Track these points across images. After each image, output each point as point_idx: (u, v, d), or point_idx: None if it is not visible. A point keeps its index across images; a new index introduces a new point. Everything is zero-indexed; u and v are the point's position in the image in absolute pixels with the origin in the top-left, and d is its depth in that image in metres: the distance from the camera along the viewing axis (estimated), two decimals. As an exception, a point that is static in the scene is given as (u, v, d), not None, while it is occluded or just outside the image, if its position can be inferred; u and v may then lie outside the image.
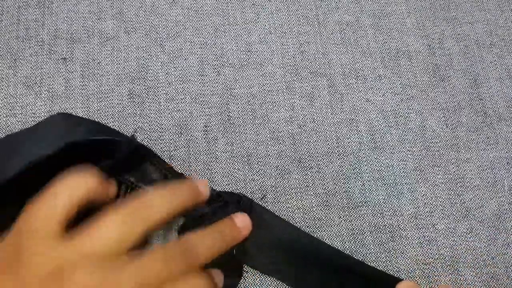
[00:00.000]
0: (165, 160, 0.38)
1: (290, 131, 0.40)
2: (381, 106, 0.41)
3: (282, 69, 0.42)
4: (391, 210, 0.38)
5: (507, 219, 0.38)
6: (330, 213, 0.37)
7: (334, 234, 0.37)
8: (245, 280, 0.35)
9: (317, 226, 0.37)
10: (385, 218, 0.37)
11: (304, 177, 0.38)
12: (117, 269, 0.22)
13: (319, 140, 0.40)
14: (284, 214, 0.37)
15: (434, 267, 0.36)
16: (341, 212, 0.37)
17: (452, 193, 0.39)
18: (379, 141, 0.40)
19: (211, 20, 0.43)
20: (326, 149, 0.39)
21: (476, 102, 0.41)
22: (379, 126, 0.40)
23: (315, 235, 0.36)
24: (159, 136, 0.39)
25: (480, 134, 0.40)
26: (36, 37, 0.41)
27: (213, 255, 0.25)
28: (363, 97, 0.41)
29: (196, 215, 0.31)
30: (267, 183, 0.38)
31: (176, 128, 0.39)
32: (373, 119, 0.40)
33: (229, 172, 0.38)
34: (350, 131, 0.40)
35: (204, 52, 0.42)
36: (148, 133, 0.39)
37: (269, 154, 0.39)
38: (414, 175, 0.39)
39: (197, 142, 0.39)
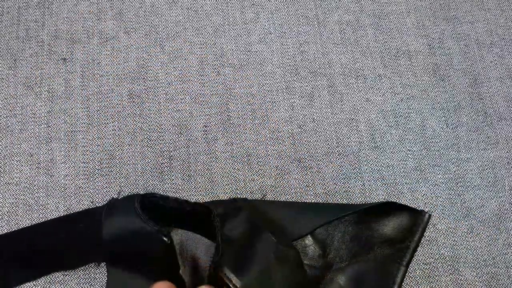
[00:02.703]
0: (165, 160, 0.38)
1: (290, 131, 0.40)
2: (381, 106, 0.41)
3: (282, 69, 0.42)
4: (391, 210, 0.38)
5: (508, 219, 0.38)
6: (330, 213, 0.37)
7: (334, 234, 0.37)
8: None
9: (317, 226, 0.37)
10: (385, 218, 0.37)
11: (304, 177, 0.38)
12: None
13: (319, 140, 0.39)
14: (284, 214, 0.37)
15: (434, 267, 0.36)
16: (341, 212, 0.37)
17: (453, 192, 0.38)
18: (379, 141, 0.40)
19: (211, 20, 0.43)
20: (326, 149, 0.39)
21: (476, 102, 0.41)
22: (379, 126, 0.40)
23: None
24: (159, 136, 0.39)
25: (480, 134, 0.40)
26: (36, 38, 0.41)
27: None
28: (363, 97, 0.41)
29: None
30: (267, 183, 0.38)
31: (176, 128, 0.39)
32: (373, 119, 0.40)
33: (229, 172, 0.38)
34: (350, 131, 0.40)
35: (204, 52, 0.42)
36: (148, 133, 0.39)
37: (269, 154, 0.39)
38: (414, 174, 0.39)
39: (197, 142, 0.39)
